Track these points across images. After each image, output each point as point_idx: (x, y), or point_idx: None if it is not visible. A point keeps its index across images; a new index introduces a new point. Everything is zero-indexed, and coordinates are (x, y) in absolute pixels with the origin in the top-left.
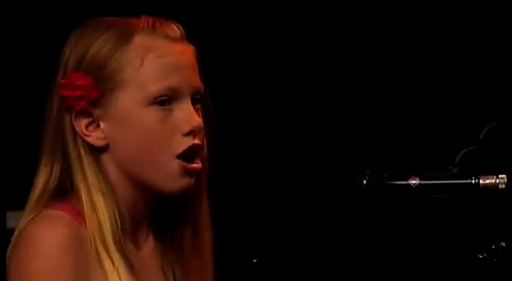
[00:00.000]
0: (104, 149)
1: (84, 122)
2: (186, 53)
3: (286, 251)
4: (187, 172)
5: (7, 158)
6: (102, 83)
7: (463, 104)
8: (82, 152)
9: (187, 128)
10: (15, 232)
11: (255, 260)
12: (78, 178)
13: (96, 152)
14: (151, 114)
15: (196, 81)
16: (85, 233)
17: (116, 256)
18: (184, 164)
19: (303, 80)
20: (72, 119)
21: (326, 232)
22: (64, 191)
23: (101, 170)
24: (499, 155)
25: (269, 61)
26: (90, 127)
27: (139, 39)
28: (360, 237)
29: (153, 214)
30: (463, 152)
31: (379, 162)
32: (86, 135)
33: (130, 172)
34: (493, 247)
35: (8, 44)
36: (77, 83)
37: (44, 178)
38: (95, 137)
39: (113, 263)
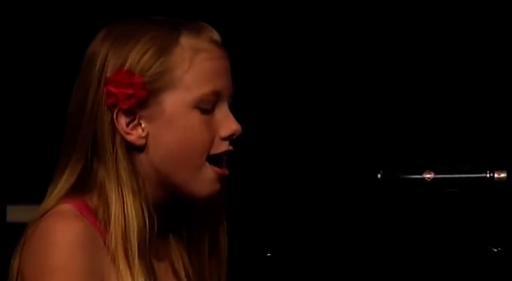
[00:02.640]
0: (142, 148)
1: (125, 120)
2: (226, 57)
3: (300, 244)
4: (218, 178)
5: (7, 153)
6: (150, 84)
7: (477, 98)
8: (119, 150)
9: (227, 132)
10: (28, 226)
11: (269, 254)
12: (111, 176)
13: (133, 151)
14: (196, 116)
15: (232, 87)
16: (95, 230)
17: (136, 260)
18: (217, 169)
19: (315, 77)
20: (114, 116)
21: (340, 225)
22: (82, 188)
23: (134, 170)
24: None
25: (276, 60)
26: (131, 126)
27: (186, 41)
28: (374, 231)
29: (172, 217)
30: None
31: (393, 156)
32: (127, 133)
33: (163, 172)
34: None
35: (7, 44)
36: (128, 81)
37: (68, 175)
38: (135, 136)
39: (129, 266)
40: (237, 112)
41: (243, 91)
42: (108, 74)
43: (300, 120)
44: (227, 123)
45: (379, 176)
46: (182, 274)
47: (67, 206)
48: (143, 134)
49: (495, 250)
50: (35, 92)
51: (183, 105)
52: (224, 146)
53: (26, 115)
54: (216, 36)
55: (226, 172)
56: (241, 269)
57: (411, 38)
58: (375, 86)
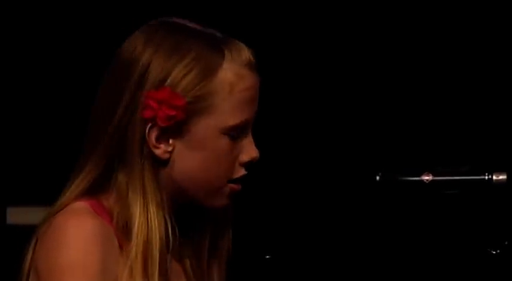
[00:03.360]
0: (166, 162)
1: (156, 133)
2: (258, 84)
3: (299, 246)
4: (233, 193)
5: (7, 155)
6: (188, 104)
7: (475, 100)
8: (146, 161)
9: (246, 159)
10: (40, 225)
11: (268, 256)
12: (135, 186)
13: (158, 163)
14: (225, 143)
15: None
16: (110, 229)
17: (155, 274)
18: (234, 187)
19: (315, 78)
20: (147, 128)
21: (339, 228)
22: (97, 189)
23: (158, 183)
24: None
25: (274, 63)
26: (160, 139)
27: (228, 65)
28: (373, 233)
29: (182, 222)
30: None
31: (392, 158)
32: (155, 146)
33: (183, 187)
34: (506, 243)
35: (8, 43)
36: (172, 102)
37: (83, 178)
38: (162, 150)
39: (145, 269)
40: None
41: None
42: (148, 86)
43: (298, 122)
44: (249, 150)
45: (377, 178)
46: (191, 276)
47: (81, 204)
48: (169, 149)
49: (494, 253)
50: (35, 94)
51: (215, 130)
52: (242, 171)
53: (26, 117)
54: (253, 59)
55: (240, 188)
56: (240, 272)
57: (409, 42)
58: (374, 88)
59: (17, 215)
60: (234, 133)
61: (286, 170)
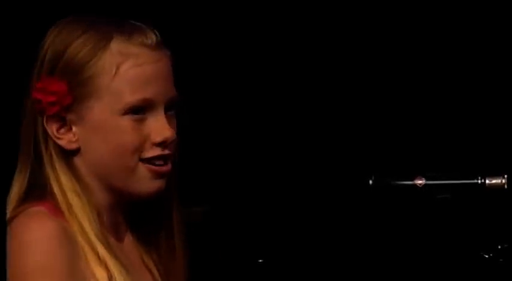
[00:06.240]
0: (76, 152)
1: (56, 125)
2: (162, 61)
3: (292, 250)
4: (156, 175)
5: (7, 157)
6: (76, 89)
7: (468, 104)
8: (54, 154)
9: (158, 139)
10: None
11: (260, 260)
12: (52, 179)
13: (68, 154)
14: (125, 124)
15: (171, 91)
16: (69, 228)
17: (102, 250)
18: (152, 167)
19: (307, 81)
20: (44, 121)
21: (332, 232)
22: (39, 191)
23: (73, 172)
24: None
25: (270, 64)
26: (62, 130)
27: (115, 46)
28: (366, 237)
29: (131, 215)
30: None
31: (385, 163)
32: (57, 138)
33: (100, 174)
34: (499, 247)
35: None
36: (50, 89)
37: (20, 178)
38: (66, 140)
39: (99, 257)
40: (233, 115)
41: (239, 94)
42: (44, 73)
43: (292, 126)
44: (159, 130)
45: (370, 182)
46: (155, 271)
47: (38, 208)
48: (74, 139)
49: (487, 256)
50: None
51: (111, 112)
52: (157, 151)
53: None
54: (149, 39)
55: (164, 169)
56: (233, 276)
57: (404, 49)
58: (367, 93)
59: None
60: (134, 113)
61: (280, 174)
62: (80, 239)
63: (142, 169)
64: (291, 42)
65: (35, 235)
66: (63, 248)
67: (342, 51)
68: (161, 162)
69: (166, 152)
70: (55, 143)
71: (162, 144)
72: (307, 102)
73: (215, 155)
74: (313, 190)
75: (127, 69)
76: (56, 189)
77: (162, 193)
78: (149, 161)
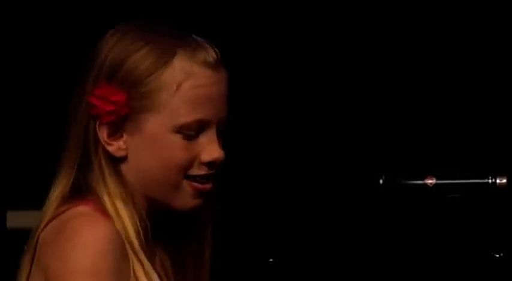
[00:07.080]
0: (123, 159)
1: (107, 130)
2: (220, 82)
3: (302, 250)
4: (198, 193)
5: (7, 158)
6: (134, 101)
7: (479, 104)
8: (103, 159)
9: (208, 159)
10: (36, 231)
11: (271, 260)
12: (100, 184)
13: (116, 161)
14: (177, 141)
15: (224, 112)
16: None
17: (145, 260)
18: (195, 185)
19: (318, 80)
20: (97, 126)
21: (342, 231)
22: (80, 192)
23: (120, 179)
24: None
25: (277, 63)
26: (113, 136)
27: (178, 63)
28: (376, 237)
29: (163, 227)
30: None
31: (395, 162)
32: (107, 143)
33: (143, 184)
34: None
35: (9, 44)
36: (110, 97)
37: (66, 179)
38: (115, 147)
39: (143, 266)
40: (236, 115)
41: (244, 96)
42: (102, 79)
43: (301, 125)
44: (210, 150)
45: (381, 181)
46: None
47: (86, 208)
48: (123, 146)
49: (497, 256)
50: (35, 96)
51: (165, 128)
52: (203, 170)
53: (26, 120)
54: (211, 58)
55: (207, 187)
56: (243, 275)
57: (411, 47)
58: (376, 92)
59: (17, 219)
60: (188, 132)
61: (289, 174)
62: (125, 245)
63: (186, 185)
64: (303, 40)
65: (91, 238)
66: (115, 251)
67: (355, 51)
68: (204, 180)
69: (212, 172)
70: (104, 149)
71: (210, 164)
72: (317, 101)
73: (226, 153)
74: (323, 190)
75: (187, 89)
76: (102, 194)
77: (199, 210)
78: (194, 178)
